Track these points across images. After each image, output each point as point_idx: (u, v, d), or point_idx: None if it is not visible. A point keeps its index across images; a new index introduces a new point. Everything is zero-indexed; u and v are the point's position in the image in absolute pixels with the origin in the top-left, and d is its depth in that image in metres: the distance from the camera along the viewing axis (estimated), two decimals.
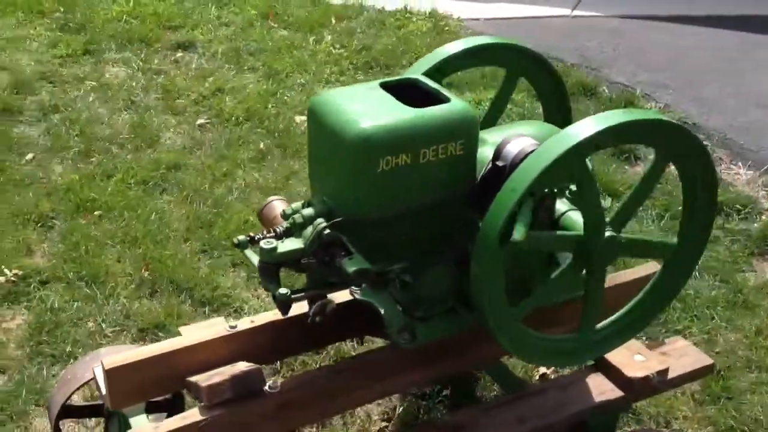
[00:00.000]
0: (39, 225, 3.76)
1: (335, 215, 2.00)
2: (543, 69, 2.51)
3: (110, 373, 2.10)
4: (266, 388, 2.06)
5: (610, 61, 5.61)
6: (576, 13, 6.63)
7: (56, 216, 3.81)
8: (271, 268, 1.97)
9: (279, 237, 2.02)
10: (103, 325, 3.17)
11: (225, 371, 2.04)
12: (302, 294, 1.99)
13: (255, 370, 2.04)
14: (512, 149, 2.07)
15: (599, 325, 2.25)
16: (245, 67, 5.38)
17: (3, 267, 3.39)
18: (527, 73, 2.52)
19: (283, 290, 1.93)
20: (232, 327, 2.22)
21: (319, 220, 1.97)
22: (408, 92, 2.10)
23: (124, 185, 4.06)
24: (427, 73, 2.36)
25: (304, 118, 4.74)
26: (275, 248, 1.95)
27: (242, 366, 2.05)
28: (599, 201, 2.05)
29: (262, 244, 1.95)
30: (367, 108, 1.98)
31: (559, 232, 2.09)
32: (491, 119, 2.56)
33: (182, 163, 4.27)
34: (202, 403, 2.02)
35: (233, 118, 4.70)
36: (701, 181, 2.14)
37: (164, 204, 3.94)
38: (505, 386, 2.75)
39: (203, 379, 2.02)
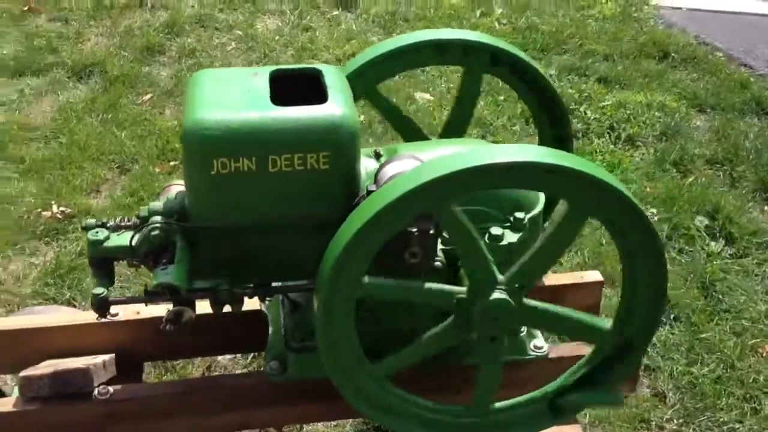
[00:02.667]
0: (117, 166, 3.84)
1: (186, 216, 1.75)
2: (522, 75, 2.07)
3: None
4: (95, 392, 1.89)
5: None
6: None
7: (136, 160, 3.87)
8: (100, 261, 1.77)
9: (131, 228, 1.82)
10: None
11: (56, 364, 1.90)
12: (126, 298, 1.79)
13: (79, 370, 1.86)
14: (388, 172, 1.70)
15: (499, 405, 1.83)
16: (393, 34, 5.13)
17: (53, 202, 3.50)
18: (505, 79, 2.10)
19: (98, 290, 1.74)
20: (112, 315, 2.06)
21: (155, 218, 1.73)
22: (305, 85, 1.78)
23: None
24: (369, 66, 2.07)
25: (426, 95, 4.45)
26: (101, 241, 1.75)
27: (74, 362, 1.89)
28: (479, 252, 1.63)
29: (89, 234, 1.76)
30: (225, 97, 1.69)
31: (415, 283, 1.68)
32: (455, 127, 2.17)
33: None
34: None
35: None
36: (641, 255, 1.64)
37: None
38: None
39: (28, 369, 1.89)
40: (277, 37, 5.05)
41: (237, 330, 2.09)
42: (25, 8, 5.31)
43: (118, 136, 4.01)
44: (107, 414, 1.89)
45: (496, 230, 1.77)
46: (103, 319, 2.01)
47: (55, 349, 2.01)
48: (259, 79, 1.75)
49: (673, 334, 2.93)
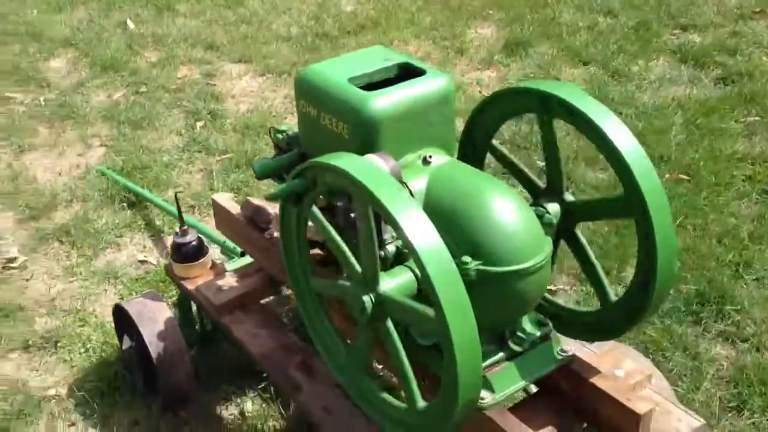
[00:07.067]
0: None
1: None
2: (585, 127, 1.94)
3: (215, 203, 2.95)
4: (267, 231, 2.64)
5: None
6: None
7: None
8: (276, 146, 2.44)
9: None
10: None
11: (264, 204, 2.73)
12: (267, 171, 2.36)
13: (266, 210, 2.68)
14: None
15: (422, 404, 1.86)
16: None
17: None
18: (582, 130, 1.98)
19: (256, 164, 2.38)
20: None
21: (294, 130, 2.36)
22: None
23: None
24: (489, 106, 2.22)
25: None
26: (278, 131, 2.43)
27: (273, 207, 2.67)
28: (339, 247, 1.90)
29: (275, 126, 2.47)
30: (343, 65, 2.20)
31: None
32: (552, 178, 2.13)
33: None
34: None
35: None
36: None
37: None
38: None
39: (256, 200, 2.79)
40: None
41: None
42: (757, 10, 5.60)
43: None
44: (269, 247, 2.68)
45: (392, 248, 1.95)
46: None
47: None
48: (383, 63, 2.20)
49: None
